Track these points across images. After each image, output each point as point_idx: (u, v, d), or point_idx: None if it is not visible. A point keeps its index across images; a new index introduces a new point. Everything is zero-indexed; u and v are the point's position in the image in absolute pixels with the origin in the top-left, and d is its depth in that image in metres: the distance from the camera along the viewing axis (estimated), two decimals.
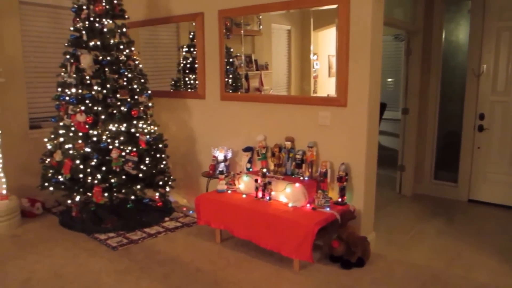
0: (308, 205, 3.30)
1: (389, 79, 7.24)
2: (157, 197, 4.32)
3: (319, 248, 3.45)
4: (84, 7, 3.91)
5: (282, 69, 4.41)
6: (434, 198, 5.09)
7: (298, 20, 4.13)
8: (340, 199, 3.37)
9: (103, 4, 3.86)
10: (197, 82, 4.52)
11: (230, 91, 4.31)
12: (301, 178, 3.55)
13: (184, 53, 4.77)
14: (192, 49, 4.59)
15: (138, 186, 3.93)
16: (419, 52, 4.91)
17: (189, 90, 4.69)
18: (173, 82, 4.91)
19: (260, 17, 4.28)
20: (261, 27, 4.41)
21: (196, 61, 4.49)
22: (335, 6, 3.30)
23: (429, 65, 4.94)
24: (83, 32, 3.90)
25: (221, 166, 4.07)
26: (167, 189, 4.27)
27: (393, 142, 6.72)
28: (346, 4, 3.21)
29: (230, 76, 4.36)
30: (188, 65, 4.69)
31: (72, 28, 3.99)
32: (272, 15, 4.03)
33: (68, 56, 3.95)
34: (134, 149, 3.90)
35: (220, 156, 4.09)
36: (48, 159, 4.02)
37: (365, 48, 3.17)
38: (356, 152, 3.34)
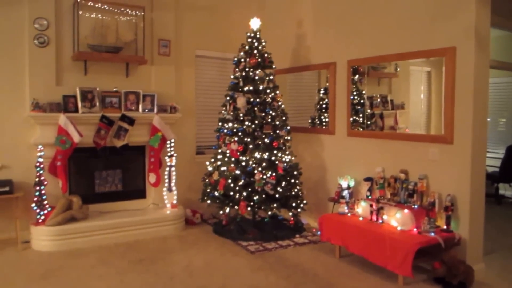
0: (415, 229, 4.08)
1: None
2: (290, 216, 5.49)
3: (427, 271, 4.17)
4: (242, 60, 5.43)
5: (420, 108, 4.99)
6: None
7: (438, 63, 4.57)
8: (445, 227, 4.07)
9: (256, 57, 5.33)
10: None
11: (361, 129, 5.31)
12: (412, 206, 4.34)
13: (321, 95, 5.97)
14: (327, 92, 5.75)
15: (275, 205, 5.15)
16: None
17: (323, 127, 5.83)
18: (310, 120, 6.13)
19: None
20: (398, 69, 5.26)
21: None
22: (443, 57, 4.15)
23: None
24: (240, 79, 5.42)
25: (345, 193, 5.06)
26: (299, 210, 5.41)
27: None
28: (452, 56, 4.04)
29: (360, 115, 5.37)
30: (324, 105, 5.86)
31: (232, 76, 5.54)
32: None
33: (228, 98, 5.48)
34: (273, 174, 5.14)
35: (344, 184, 5.10)
36: (208, 178, 5.54)
37: (468, 92, 3.93)
38: (461, 185, 4.03)
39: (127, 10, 5.54)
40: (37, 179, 4.82)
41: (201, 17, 6.36)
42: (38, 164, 4.84)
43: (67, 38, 5.30)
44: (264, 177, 5.10)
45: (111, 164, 5.74)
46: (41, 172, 4.86)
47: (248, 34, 5.48)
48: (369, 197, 4.86)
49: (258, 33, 5.47)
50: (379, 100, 5.28)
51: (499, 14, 4.37)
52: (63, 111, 5.07)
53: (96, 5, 5.33)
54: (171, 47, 5.98)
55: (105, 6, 5.37)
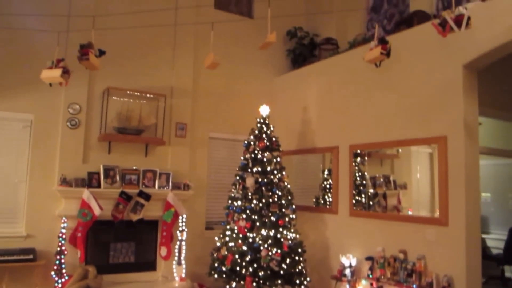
0: None
1: None
2: None
3: None
4: (252, 143, 5.81)
5: (424, 188, 5.01)
6: None
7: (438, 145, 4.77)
8: None
9: (265, 141, 5.72)
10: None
11: (363, 208, 5.54)
12: (411, 286, 4.47)
13: (325, 176, 6.28)
14: (331, 173, 6.07)
15: (279, 281, 5.27)
16: None
17: (327, 206, 6.08)
18: (314, 199, 6.39)
19: None
20: (399, 150, 5.39)
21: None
22: (435, 145, 4.50)
23: None
24: (249, 160, 5.76)
25: (347, 271, 5.19)
26: (303, 287, 5.50)
27: None
28: (444, 144, 4.39)
29: (363, 195, 5.63)
30: (328, 186, 6.15)
31: (242, 158, 5.89)
32: None
33: (237, 177, 5.79)
34: (279, 251, 5.31)
35: (346, 263, 5.24)
36: (216, 253, 5.71)
37: (460, 178, 4.23)
38: (457, 265, 4.19)
39: (151, 95, 6.06)
40: (58, 249, 5.05)
41: (215, 103, 6.87)
42: (60, 234, 5.09)
43: (96, 120, 5.78)
44: (270, 253, 5.27)
45: (126, 237, 5.95)
46: (63, 242, 5.09)
47: (258, 120, 5.89)
48: (370, 275, 4.99)
49: (267, 119, 5.90)
50: (381, 180, 5.48)
51: (486, 104, 4.76)
52: (87, 186, 5.41)
53: (125, 93, 5.85)
54: (187, 129, 6.42)
55: (132, 93, 5.90)
